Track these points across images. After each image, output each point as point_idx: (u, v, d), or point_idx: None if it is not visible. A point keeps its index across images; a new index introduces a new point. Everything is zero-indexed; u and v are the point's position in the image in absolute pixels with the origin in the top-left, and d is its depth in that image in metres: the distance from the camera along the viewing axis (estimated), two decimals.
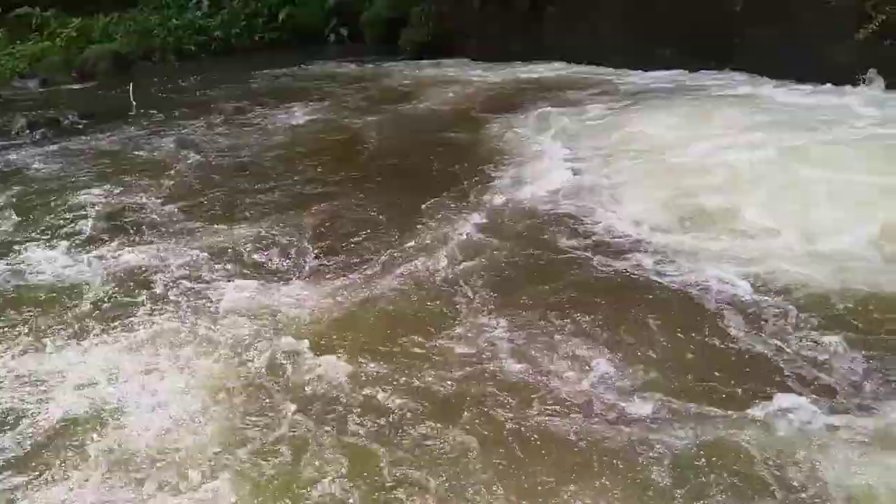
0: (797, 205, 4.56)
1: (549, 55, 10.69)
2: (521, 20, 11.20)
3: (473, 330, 3.64)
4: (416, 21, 12.96)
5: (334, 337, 3.67)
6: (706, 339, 3.41)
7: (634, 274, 4.07)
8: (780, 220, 4.43)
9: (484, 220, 4.99)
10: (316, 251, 4.77)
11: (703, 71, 8.86)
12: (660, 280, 3.99)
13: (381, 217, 5.33)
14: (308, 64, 13.02)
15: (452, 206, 5.35)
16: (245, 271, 4.53)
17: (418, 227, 5.01)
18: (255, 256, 4.75)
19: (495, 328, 3.64)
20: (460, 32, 12.30)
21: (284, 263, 4.63)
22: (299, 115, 9.02)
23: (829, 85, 7.39)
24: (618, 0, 9.77)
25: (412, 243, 4.74)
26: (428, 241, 4.72)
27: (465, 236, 4.73)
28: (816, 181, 4.76)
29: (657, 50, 9.35)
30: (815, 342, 3.31)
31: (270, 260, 4.69)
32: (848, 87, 7.27)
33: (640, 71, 9.37)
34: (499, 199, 5.36)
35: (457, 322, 3.73)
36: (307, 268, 4.55)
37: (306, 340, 3.58)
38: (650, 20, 9.44)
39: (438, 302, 3.95)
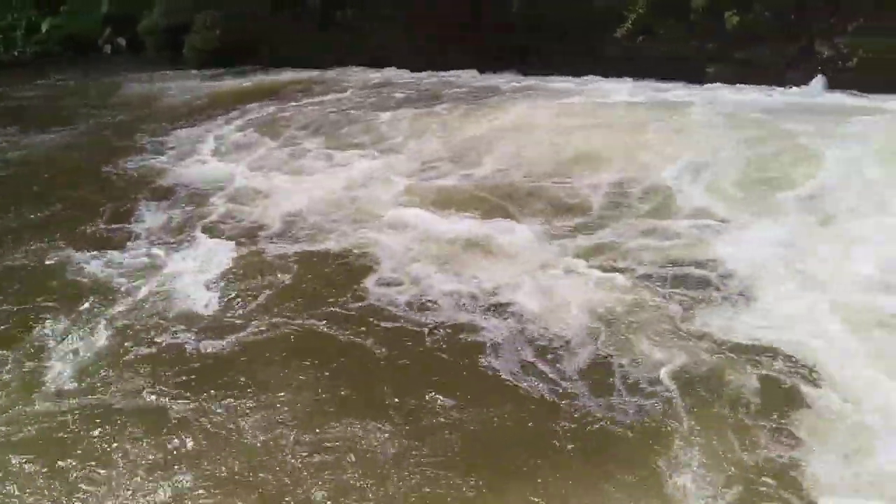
0: None
1: (344, 60, 10.69)
2: (314, 26, 11.04)
3: None
4: (201, 29, 12.28)
5: None
6: None
7: None
8: None
9: None
10: None
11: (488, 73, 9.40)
12: None
13: None
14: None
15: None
16: None
17: None
18: None
19: None
20: (251, 40, 11.86)
21: None
22: None
23: (599, 78, 8.32)
24: (407, 6, 9.97)
25: None
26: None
27: None
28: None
29: (445, 53, 9.71)
30: None
31: None
32: (614, 79, 8.18)
33: (430, 72, 9.75)
34: None
35: None
36: None
37: None
38: (439, 25, 9.73)
39: None
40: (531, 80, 8.75)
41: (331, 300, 4.10)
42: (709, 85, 7.56)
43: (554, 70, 8.75)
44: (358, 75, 10.32)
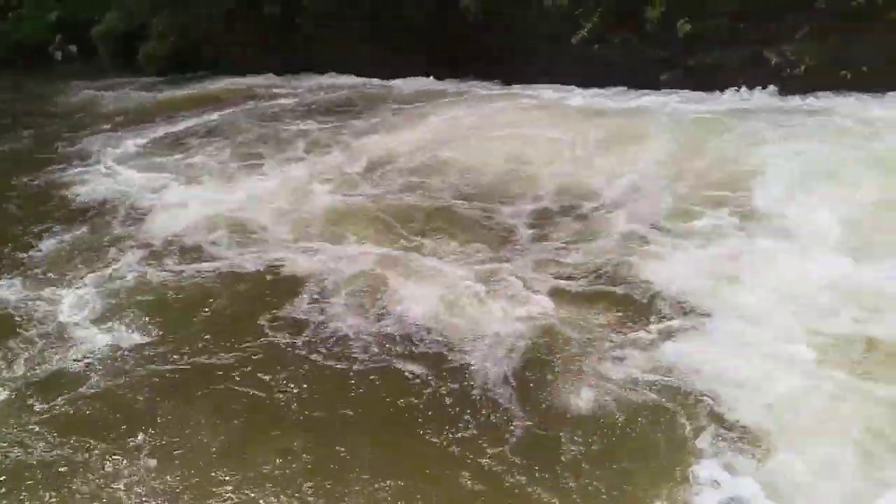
0: None
1: (303, 67, 10.62)
2: (272, 32, 10.94)
3: None
4: (156, 35, 12.07)
5: None
6: None
7: None
8: None
9: None
10: None
11: (448, 80, 9.45)
12: None
13: None
14: None
15: None
16: None
17: None
18: None
19: None
20: (208, 46, 11.70)
21: None
22: None
23: (555, 85, 8.41)
24: (366, 12, 9.98)
25: None
26: None
27: None
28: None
29: (404, 60, 9.72)
30: None
31: None
32: (567, 86, 8.31)
33: (386, 80, 9.78)
34: None
35: None
36: None
37: None
38: (399, 32, 9.75)
39: None
40: (493, 87, 8.85)
41: (226, 337, 3.93)
42: (663, 91, 7.72)
43: (511, 77, 8.85)
44: (309, 82, 10.27)
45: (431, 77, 9.55)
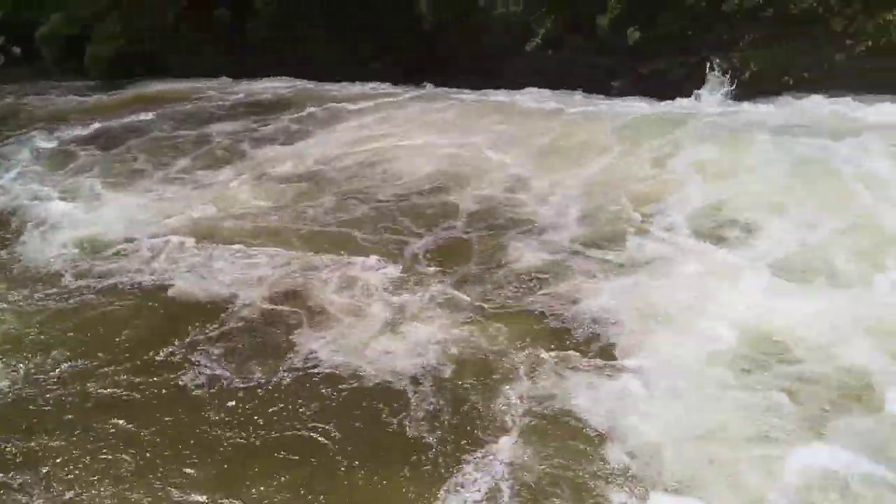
0: None
1: (256, 70, 10.47)
2: (224, 35, 10.76)
3: None
4: (103, 38, 11.74)
5: None
6: None
7: None
8: None
9: None
10: None
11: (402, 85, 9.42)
12: None
13: None
14: None
15: None
16: None
17: None
18: None
19: None
20: (156, 50, 11.43)
21: None
22: None
23: (503, 90, 8.53)
24: (321, 17, 9.90)
25: None
26: None
27: None
28: None
29: (360, 65, 9.67)
30: None
31: None
32: (521, 91, 8.40)
33: (347, 83, 9.70)
34: None
35: None
36: None
37: None
38: (354, 37, 9.70)
39: None
40: (449, 92, 8.85)
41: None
42: (610, 97, 7.84)
43: (467, 83, 8.86)
44: (249, 87, 10.14)
45: (388, 83, 9.49)
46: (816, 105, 6.39)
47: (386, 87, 9.48)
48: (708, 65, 7.25)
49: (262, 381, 3.50)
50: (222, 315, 4.06)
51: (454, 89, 9.00)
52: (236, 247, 4.90)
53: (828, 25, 6.53)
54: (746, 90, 7.02)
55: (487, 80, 8.74)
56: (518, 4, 8.41)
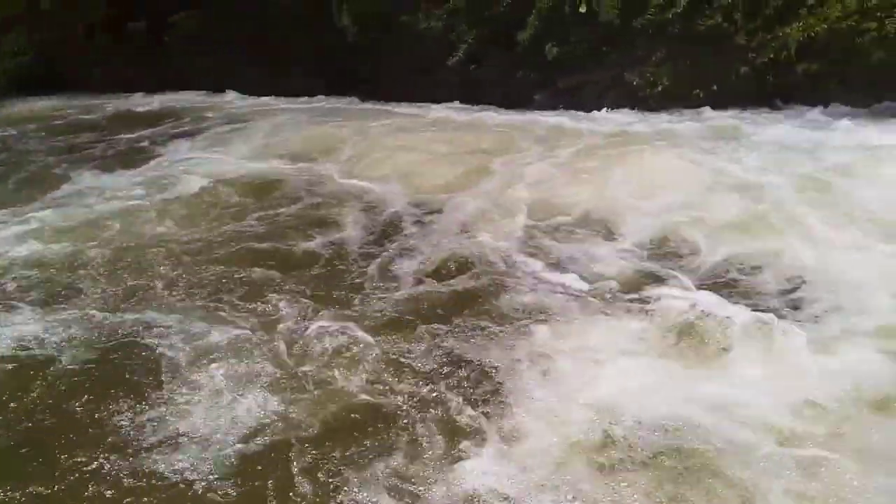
0: None
1: (172, 84, 10.16)
2: (140, 49, 10.42)
3: None
4: (10, 52, 11.19)
5: None
6: None
7: None
8: None
9: None
10: None
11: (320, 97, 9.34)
12: None
13: None
14: None
15: None
16: None
17: None
18: None
19: None
20: (70, 64, 10.95)
21: None
22: None
23: (433, 104, 8.54)
24: (242, 30, 9.72)
25: None
26: None
27: None
28: None
29: (282, 78, 9.53)
30: None
31: None
32: (445, 104, 8.49)
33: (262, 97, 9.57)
34: None
35: None
36: None
37: None
38: (276, 50, 9.55)
39: None
40: (368, 105, 8.86)
41: None
42: (535, 111, 7.97)
43: (391, 97, 8.87)
44: (149, 102, 9.91)
45: (308, 96, 9.39)
46: (716, 116, 6.76)
47: (303, 101, 9.39)
48: (622, 79, 7.49)
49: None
50: None
51: (380, 103, 9.00)
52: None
53: (733, 40, 6.85)
54: (658, 103, 7.27)
55: (413, 94, 8.76)
56: (439, 20, 8.48)
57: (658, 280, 4.06)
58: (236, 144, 7.50)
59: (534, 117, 7.63)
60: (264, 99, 9.50)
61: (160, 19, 10.03)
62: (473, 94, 8.45)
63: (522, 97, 8.18)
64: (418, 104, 8.59)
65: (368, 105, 9.03)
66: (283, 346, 3.62)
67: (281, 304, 4.03)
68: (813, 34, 6.50)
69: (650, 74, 7.40)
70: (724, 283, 3.98)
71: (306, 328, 3.77)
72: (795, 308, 3.69)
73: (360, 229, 5.14)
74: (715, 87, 7.04)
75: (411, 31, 8.66)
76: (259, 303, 4.08)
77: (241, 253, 4.79)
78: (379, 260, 4.60)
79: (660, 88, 7.35)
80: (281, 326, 3.82)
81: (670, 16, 7.02)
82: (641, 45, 7.39)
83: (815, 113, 6.50)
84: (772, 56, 6.71)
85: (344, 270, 4.51)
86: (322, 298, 4.11)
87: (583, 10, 7.41)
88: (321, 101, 9.25)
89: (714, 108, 6.94)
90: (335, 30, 9.05)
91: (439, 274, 4.34)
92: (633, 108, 7.39)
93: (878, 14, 6.27)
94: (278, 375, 3.41)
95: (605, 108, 7.55)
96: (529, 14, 7.85)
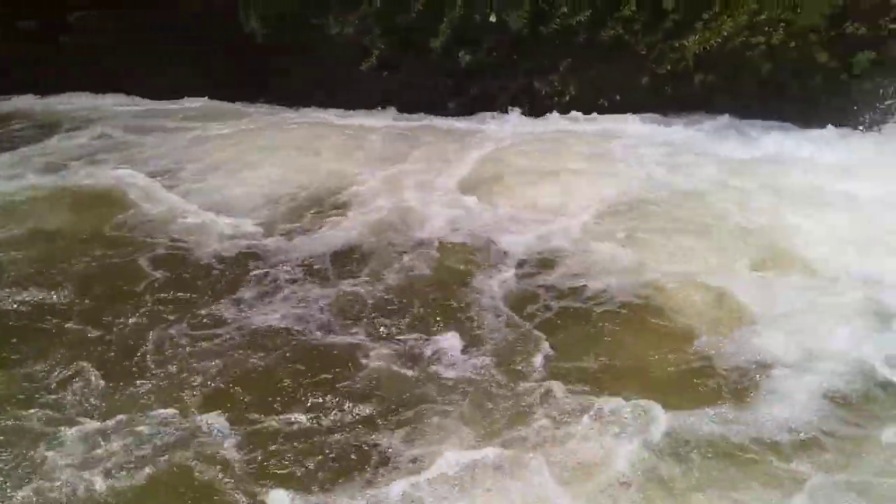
0: None
1: (67, 86, 9.62)
2: (31, 49, 9.79)
3: None
4: None
5: None
6: None
7: None
8: None
9: None
10: None
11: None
12: None
13: None
14: None
15: None
16: None
17: None
18: None
19: None
20: None
21: None
22: None
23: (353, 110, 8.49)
24: (144, 30, 9.31)
25: None
26: None
27: None
28: None
29: (186, 81, 9.19)
30: None
31: None
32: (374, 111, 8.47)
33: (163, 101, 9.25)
34: None
35: None
36: None
37: None
38: (179, 51, 9.19)
39: None
40: (275, 110, 8.67)
41: None
42: (448, 118, 8.05)
43: (302, 102, 8.72)
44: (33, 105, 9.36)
45: (215, 99, 9.12)
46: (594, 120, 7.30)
47: (203, 103, 9.12)
48: (532, 88, 7.65)
49: None
50: None
51: (291, 108, 8.84)
52: None
53: (634, 51, 7.12)
54: (566, 111, 7.47)
55: (324, 100, 8.65)
56: (351, 25, 8.41)
57: None
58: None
59: (432, 123, 7.82)
60: (162, 103, 9.14)
61: (57, 18, 9.48)
62: (389, 100, 8.42)
63: (438, 104, 8.22)
64: (331, 110, 8.48)
65: (263, 109, 8.85)
66: None
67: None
68: (708, 47, 6.85)
69: (557, 83, 7.60)
70: None
71: None
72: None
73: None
74: (618, 97, 7.30)
75: (323, 35, 8.56)
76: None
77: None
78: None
79: (567, 97, 7.55)
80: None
81: (575, 23, 7.22)
82: (550, 54, 7.58)
83: (706, 123, 6.89)
84: (670, 67, 7.03)
85: None
86: None
87: (493, 19, 7.52)
88: (223, 106, 8.98)
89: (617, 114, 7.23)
90: (243, 33, 8.82)
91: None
92: (541, 116, 7.56)
93: (767, 28, 6.66)
94: None
95: (514, 114, 7.69)
96: (441, 21, 7.90)
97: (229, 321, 4.17)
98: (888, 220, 4.92)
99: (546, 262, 4.75)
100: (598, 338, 3.98)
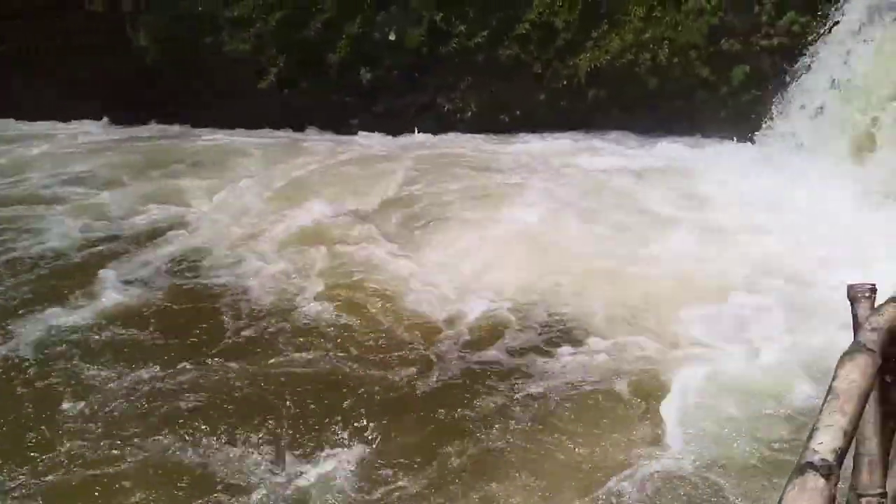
0: None
1: None
2: None
3: None
4: None
5: None
6: None
7: None
8: None
9: None
10: None
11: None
12: None
13: None
14: None
15: None
16: None
17: None
18: None
19: None
20: None
21: None
22: None
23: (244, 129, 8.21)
24: (28, 49, 8.73)
25: None
26: None
27: None
28: None
29: (75, 102, 8.69)
30: None
31: None
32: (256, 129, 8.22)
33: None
34: None
35: None
36: None
37: None
38: (67, 71, 8.65)
39: None
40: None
41: None
42: (350, 135, 8.01)
43: (198, 122, 8.43)
44: None
45: (106, 120, 8.68)
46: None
47: (91, 125, 8.67)
48: (435, 104, 7.74)
49: None
50: None
51: (187, 127, 8.52)
52: None
53: (531, 69, 7.34)
54: (469, 128, 7.61)
55: (222, 120, 8.38)
56: (247, 42, 8.22)
57: None
58: None
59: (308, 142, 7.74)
60: (43, 125, 8.62)
61: None
62: (289, 119, 8.27)
63: (340, 121, 8.15)
64: (226, 130, 8.20)
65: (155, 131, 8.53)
66: None
67: None
68: (598, 64, 7.14)
69: (459, 100, 7.72)
70: None
71: None
72: None
73: None
74: (518, 112, 7.50)
75: (218, 53, 8.31)
76: None
77: None
78: None
79: (469, 113, 7.69)
80: None
81: (473, 45, 7.37)
82: (452, 72, 7.69)
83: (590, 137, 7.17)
84: (565, 83, 7.28)
85: None
86: None
87: (392, 37, 7.55)
88: (108, 128, 8.57)
89: (516, 131, 7.41)
90: (132, 49, 8.43)
91: None
92: (445, 133, 7.66)
93: (652, 46, 7.02)
94: None
95: (416, 131, 7.76)
96: (340, 38, 7.85)
97: None
98: None
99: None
100: None
